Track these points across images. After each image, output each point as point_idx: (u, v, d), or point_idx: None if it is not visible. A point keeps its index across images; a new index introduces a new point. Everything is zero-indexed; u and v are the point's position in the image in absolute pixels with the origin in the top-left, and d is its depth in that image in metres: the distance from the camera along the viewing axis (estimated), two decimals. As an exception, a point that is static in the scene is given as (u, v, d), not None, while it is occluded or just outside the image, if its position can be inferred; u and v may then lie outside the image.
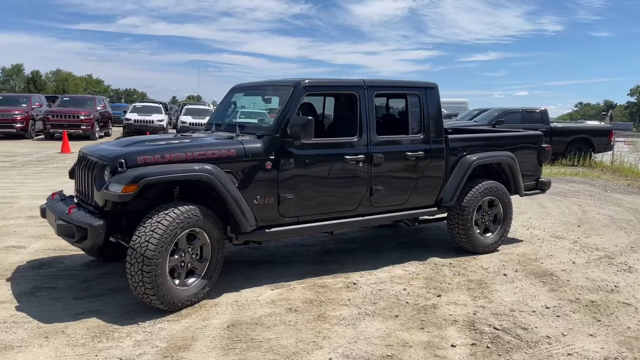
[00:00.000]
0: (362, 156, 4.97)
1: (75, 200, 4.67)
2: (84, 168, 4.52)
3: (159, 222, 3.91)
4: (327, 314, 4.12)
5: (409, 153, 5.30)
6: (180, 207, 4.02)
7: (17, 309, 4.09)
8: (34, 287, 4.54)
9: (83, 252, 5.26)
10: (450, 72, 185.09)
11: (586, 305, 4.42)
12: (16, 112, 20.93)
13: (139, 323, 3.86)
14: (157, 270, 3.84)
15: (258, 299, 4.39)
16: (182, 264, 4.13)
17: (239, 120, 5.40)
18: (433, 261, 5.58)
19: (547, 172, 13.93)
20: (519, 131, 7.09)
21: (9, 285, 4.58)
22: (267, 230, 4.60)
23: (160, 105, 26.23)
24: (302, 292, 4.57)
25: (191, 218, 4.05)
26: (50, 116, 20.70)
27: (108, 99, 24.09)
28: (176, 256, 4.07)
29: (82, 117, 20.68)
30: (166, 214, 3.95)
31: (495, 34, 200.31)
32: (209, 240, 4.26)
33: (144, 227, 3.91)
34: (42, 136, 21.26)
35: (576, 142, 16.58)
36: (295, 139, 4.57)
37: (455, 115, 22.45)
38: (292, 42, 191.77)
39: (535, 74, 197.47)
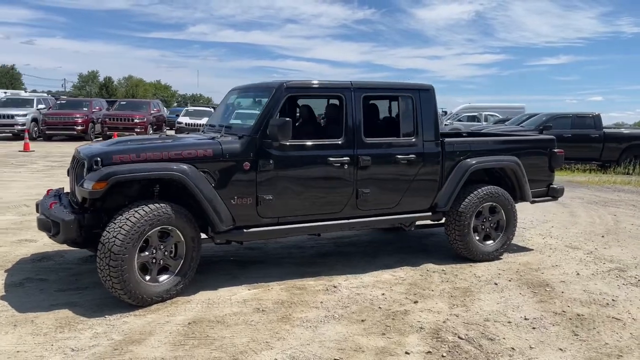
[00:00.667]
0: (346, 158, 4.93)
1: (68, 198, 4.89)
2: (74, 166, 4.73)
3: (127, 218, 4.03)
4: (293, 315, 4.11)
5: (399, 156, 5.20)
6: (150, 205, 4.13)
7: (1, 297, 4.32)
8: (26, 279, 4.79)
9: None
10: (518, 76, 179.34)
11: (570, 319, 4.18)
12: (77, 115, 22.10)
13: (106, 316, 3.99)
14: (123, 265, 3.96)
15: (231, 298, 4.43)
16: (154, 261, 4.24)
17: (232, 121, 5.49)
18: (426, 267, 5.45)
19: (596, 180, 13.28)
20: (528, 135, 6.79)
21: (4, 276, 4.85)
22: (245, 231, 4.64)
23: (212, 110, 26.94)
24: (278, 293, 4.58)
25: (161, 216, 4.15)
26: (107, 119, 21.72)
27: (163, 103, 24.98)
28: (146, 253, 4.18)
29: (136, 120, 21.58)
30: (135, 211, 4.07)
31: (568, 37, 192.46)
32: (182, 238, 4.34)
33: (113, 223, 4.04)
34: (100, 138, 22.34)
35: (631, 149, 15.66)
36: (274, 140, 4.59)
37: (508, 120, 21.78)
38: (355, 47, 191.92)
39: (610, 78, 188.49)
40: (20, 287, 4.58)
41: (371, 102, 5.55)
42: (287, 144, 4.70)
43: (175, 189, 4.46)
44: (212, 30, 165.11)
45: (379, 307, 4.32)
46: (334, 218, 5.03)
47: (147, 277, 4.21)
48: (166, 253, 4.31)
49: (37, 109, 23.19)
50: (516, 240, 6.68)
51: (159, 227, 4.18)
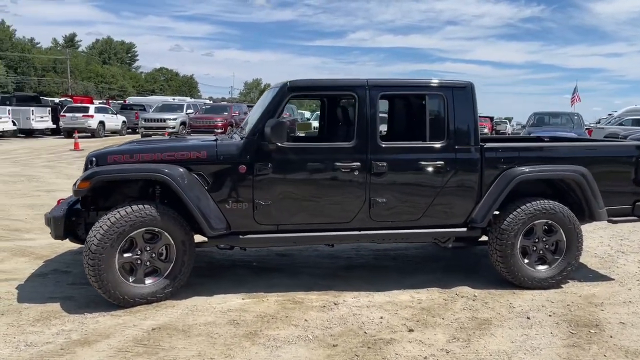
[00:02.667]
0: (357, 164, 4.48)
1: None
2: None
3: (108, 218, 4.06)
4: (263, 332, 3.81)
5: (423, 162, 4.60)
6: (132, 206, 4.12)
7: (18, 286, 4.64)
8: (53, 270, 5.10)
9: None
10: None
11: (593, 373, 3.31)
12: (218, 120, 23.59)
13: (85, 314, 4.06)
14: (100, 264, 3.99)
15: (216, 307, 4.26)
16: (139, 262, 4.22)
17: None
18: (457, 291, 4.75)
19: None
20: (607, 141, 5.62)
21: (40, 265, 5.21)
22: (241, 237, 4.44)
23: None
24: (268, 306, 4.30)
25: (144, 217, 4.11)
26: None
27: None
28: (130, 254, 4.17)
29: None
30: (117, 212, 4.08)
31: None
32: (172, 241, 4.27)
33: (97, 222, 4.10)
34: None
35: None
36: (269, 143, 4.32)
37: None
38: (520, 47, 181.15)
39: None
40: (42, 277, 4.88)
41: (392, 102, 5.01)
42: (288, 146, 4.41)
43: (173, 191, 4.41)
44: (371, 36, 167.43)
45: (365, 332, 3.83)
46: (342, 228, 4.60)
47: (132, 278, 4.20)
48: (154, 255, 4.26)
49: (186, 114, 25.36)
50: (602, 266, 5.62)
51: (143, 229, 4.15)
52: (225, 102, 38.23)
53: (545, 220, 4.76)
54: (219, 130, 23.00)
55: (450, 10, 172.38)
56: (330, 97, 5.39)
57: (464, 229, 4.79)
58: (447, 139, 4.68)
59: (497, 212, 4.77)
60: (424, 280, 5.03)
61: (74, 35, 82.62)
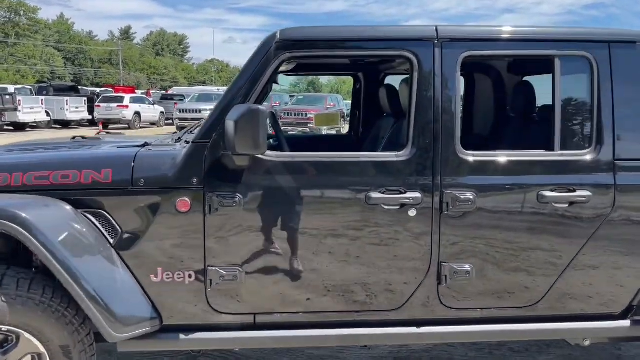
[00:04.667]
0: (414, 195, 2.23)
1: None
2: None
3: None
4: None
5: (549, 194, 2.28)
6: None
7: None
8: None
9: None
10: None
11: None
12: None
13: None
14: None
15: None
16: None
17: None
18: None
19: None
20: None
21: None
22: (183, 337, 2.27)
23: None
24: None
25: (-29, 306, 2.00)
26: (282, 114, 20.87)
27: (342, 98, 23.68)
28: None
29: (310, 115, 20.33)
30: None
31: None
32: (43, 349, 2.15)
33: None
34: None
35: None
36: (234, 152, 2.11)
37: None
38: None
39: None
40: None
41: (480, 74, 2.70)
42: (273, 160, 2.22)
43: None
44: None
45: None
46: (384, 321, 2.35)
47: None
48: (3, 374, 2.15)
49: (228, 104, 23.57)
50: None
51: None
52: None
53: None
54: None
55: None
56: (363, 64, 3.11)
57: (626, 323, 2.43)
58: (599, 145, 2.33)
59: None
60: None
61: (129, 27, 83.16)
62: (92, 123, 25.04)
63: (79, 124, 25.09)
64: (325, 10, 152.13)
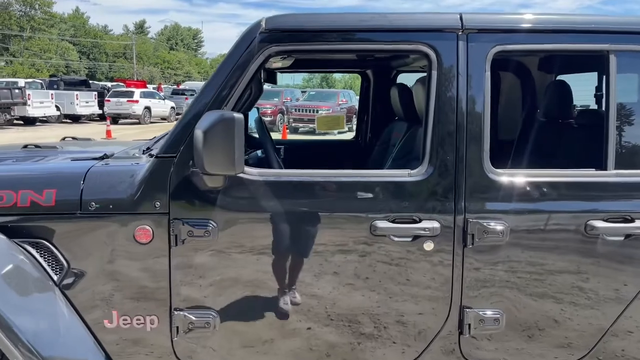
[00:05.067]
0: (432, 224, 1.78)
1: None
2: None
3: None
4: None
5: (600, 224, 1.82)
6: None
7: None
8: None
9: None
10: None
11: None
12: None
13: None
14: None
15: None
16: None
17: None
18: None
19: None
20: None
21: None
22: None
23: None
24: None
25: None
26: (293, 110, 20.44)
27: (355, 94, 23.12)
28: None
29: (322, 112, 19.88)
30: None
31: None
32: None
33: None
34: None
35: None
36: (204, 171, 1.68)
37: None
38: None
39: None
40: None
41: (512, 70, 2.25)
42: (255, 179, 1.79)
43: None
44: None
45: None
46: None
47: None
48: None
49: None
50: None
51: None
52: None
53: None
54: (269, 118, 20.63)
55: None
56: (371, 60, 2.66)
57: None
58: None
59: None
60: None
61: (143, 22, 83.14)
62: (102, 117, 24.81)
63: (90, 118, 24.91)
64: (339, 4, 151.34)
